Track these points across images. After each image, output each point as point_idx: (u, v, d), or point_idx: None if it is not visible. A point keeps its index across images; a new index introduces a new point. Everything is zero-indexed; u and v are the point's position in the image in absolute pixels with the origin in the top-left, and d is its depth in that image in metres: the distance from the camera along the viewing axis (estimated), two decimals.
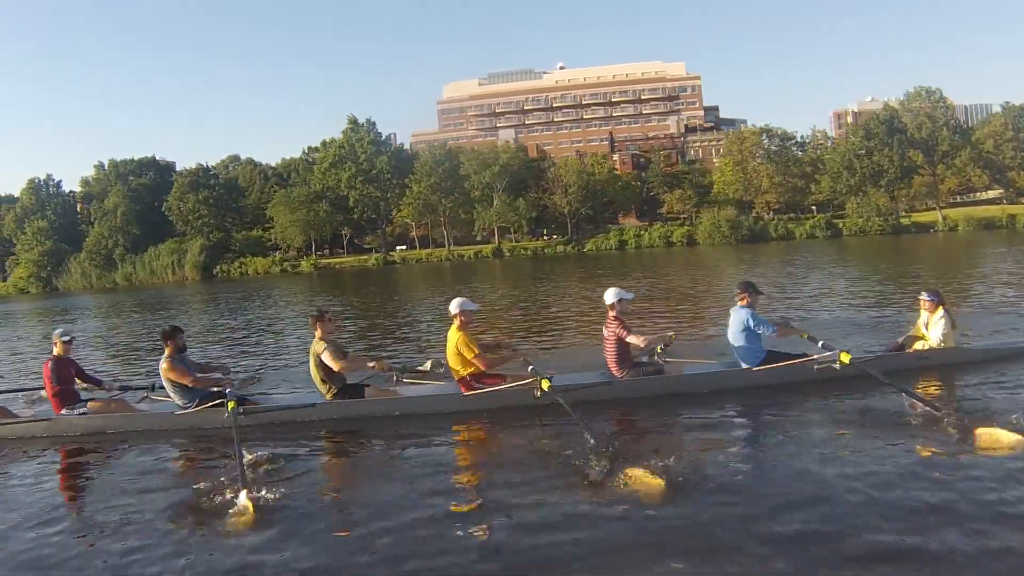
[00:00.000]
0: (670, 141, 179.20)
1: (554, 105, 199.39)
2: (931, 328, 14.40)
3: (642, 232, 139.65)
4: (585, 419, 10.58)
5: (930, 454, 9.50)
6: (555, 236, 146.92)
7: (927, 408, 11.07)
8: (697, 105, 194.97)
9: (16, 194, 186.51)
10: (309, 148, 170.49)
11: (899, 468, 8.89)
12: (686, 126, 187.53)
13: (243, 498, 9.10)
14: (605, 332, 13.76)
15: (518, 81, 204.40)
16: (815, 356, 13.06)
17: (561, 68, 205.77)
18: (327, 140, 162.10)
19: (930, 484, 8.35)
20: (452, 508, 8.58)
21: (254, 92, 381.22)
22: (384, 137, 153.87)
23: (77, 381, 14.31)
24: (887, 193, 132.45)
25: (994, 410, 10.82)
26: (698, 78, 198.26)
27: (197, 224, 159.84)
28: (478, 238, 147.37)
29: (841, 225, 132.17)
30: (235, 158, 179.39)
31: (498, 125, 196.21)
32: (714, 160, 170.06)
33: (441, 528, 8.06)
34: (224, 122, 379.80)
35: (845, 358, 12.53)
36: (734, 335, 13.82)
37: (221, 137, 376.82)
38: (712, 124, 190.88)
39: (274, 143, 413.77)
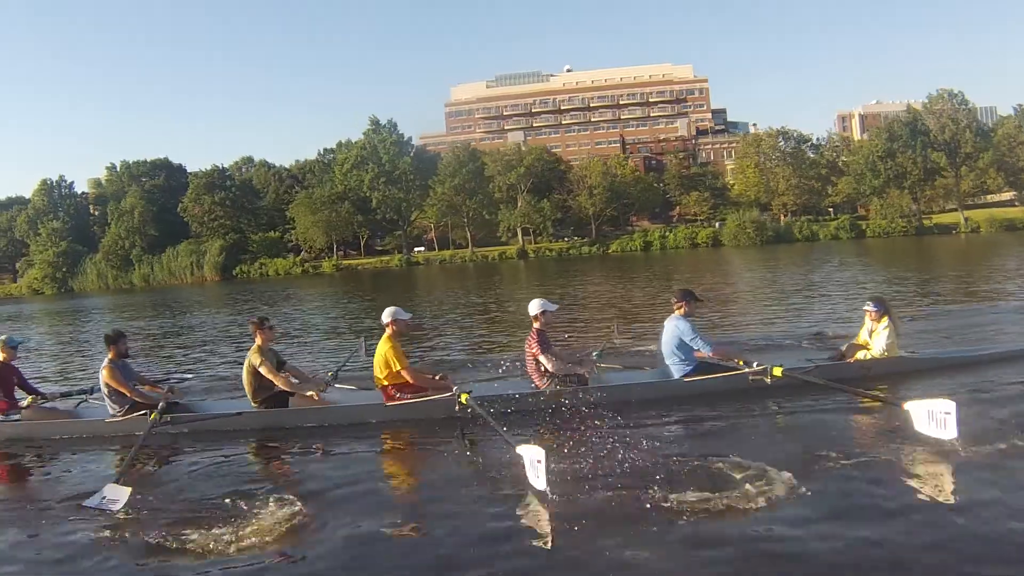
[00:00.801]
0: (681, 143, 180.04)
1: (562, 108, 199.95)
2: (875, 337, 14.24)
3: (667, 233, 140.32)
4: (507, 430, 10.41)
5: (869, 454, 9.64)
6: (576, 238, 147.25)
7: (879, 401, 11.46)
8: (705, 108, 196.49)
9: (26, 195, 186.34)
10: (325, 150, 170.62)
11: (828, 474, 8.95)
12: (697, 128, 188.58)
13: (107, 490, 9.20)
14: (526, 345, 13.54)
15: (526, 84, 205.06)
16: (746, 369, 12.85)
17: (568, 71, 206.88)
18: (343, 141, 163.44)
19: (879, 485, 8.45)
20: (360, 518, 8.49)
21: (258, 94, 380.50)
22: (406, 138, 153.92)
23: (19, 389, 14.23)
24: (910, 195, 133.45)
25: None
26: (705, 81, 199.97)
27: (213, 225, 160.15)
28: (503, 239, 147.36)
29: (864, 226, 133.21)
30: (248, 160, 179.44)
31: (506, 127, 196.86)
32: (725, 162, 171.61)
33: (337, 536, 8.05)
34: (229, 124, 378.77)
35: (777, 371, 12.46)
36: (666, 344, 13.45)
37: (223, 139, 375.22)
38: (722, 127, 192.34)
39: (274, 144, 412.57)
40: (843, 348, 14.62)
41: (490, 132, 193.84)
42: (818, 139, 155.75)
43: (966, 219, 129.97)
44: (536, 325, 13.35)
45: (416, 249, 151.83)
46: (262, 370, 13.04)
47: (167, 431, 12.35)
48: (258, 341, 13.39)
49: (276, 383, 13.11)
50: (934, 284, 35.68)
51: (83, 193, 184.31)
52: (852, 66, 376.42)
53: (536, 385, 13.23)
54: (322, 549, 7.66)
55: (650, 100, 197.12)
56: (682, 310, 13.44)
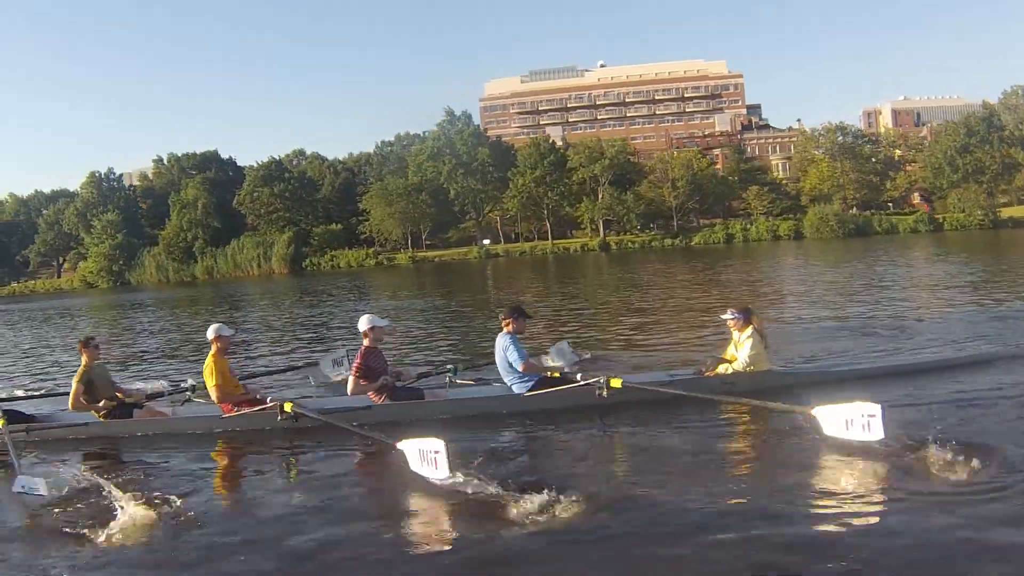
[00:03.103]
0: (727, 138, 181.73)
1: (597, 103, 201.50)
2: (739, 349, 13.34)
3: (748, 226, 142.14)
4: (334, 443, 11.12)
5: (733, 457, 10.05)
6: (655, 231, 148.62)
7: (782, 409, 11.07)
8: (740, 103, 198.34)
9: (70, 188, 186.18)
10: (382, 142, 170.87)
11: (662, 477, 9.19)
12: (742, 124, 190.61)
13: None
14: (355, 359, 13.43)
15: (560, 79, 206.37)
16: (582, 382, 12.55)
17: (602, 66, 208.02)
18: (401, 134, 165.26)
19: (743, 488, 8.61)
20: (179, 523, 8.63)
21: (293, 85, 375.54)
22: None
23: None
24: (986, 189, 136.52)
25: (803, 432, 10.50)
26: (741, 76, 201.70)
27: (271, 218, 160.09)
28: (587, 231, 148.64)
29: (942, 220, 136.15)
30: (300, 152, 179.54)
31: (541, 122, 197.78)
32: (770, 157, 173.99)
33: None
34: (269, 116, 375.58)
35: (615, 383, 12.29)
36: (500, 363, 13.22)
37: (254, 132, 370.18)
38: (766, 122, 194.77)
39: (284, 138, 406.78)
40: (709, 362, 13.82)
41: (526, 127, 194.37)
42: (875, 135, 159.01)
43: None
44: (366, 341, 13.30)
45: (484, 241, 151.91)
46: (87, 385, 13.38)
47: (24, 439, 12.67)
48: (85, 360, 13.64)
49: (103, 400, 13.39)
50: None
51: (131, 186, 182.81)
52: (858, 64, 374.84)
53: (372, 399, 13.10)
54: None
55: (685, 96, 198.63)
56: (510, 327, 13.16)
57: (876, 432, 9.06)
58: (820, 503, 8.02)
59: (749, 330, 13.23)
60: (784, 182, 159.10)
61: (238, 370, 16.55)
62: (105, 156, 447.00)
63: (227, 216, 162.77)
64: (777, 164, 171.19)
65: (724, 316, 13.63)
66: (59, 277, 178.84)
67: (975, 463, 8.37)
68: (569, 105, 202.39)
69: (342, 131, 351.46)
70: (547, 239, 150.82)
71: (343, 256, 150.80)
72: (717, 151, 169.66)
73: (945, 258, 55.08)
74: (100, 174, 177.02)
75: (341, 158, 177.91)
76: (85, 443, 13.02)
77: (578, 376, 12.73)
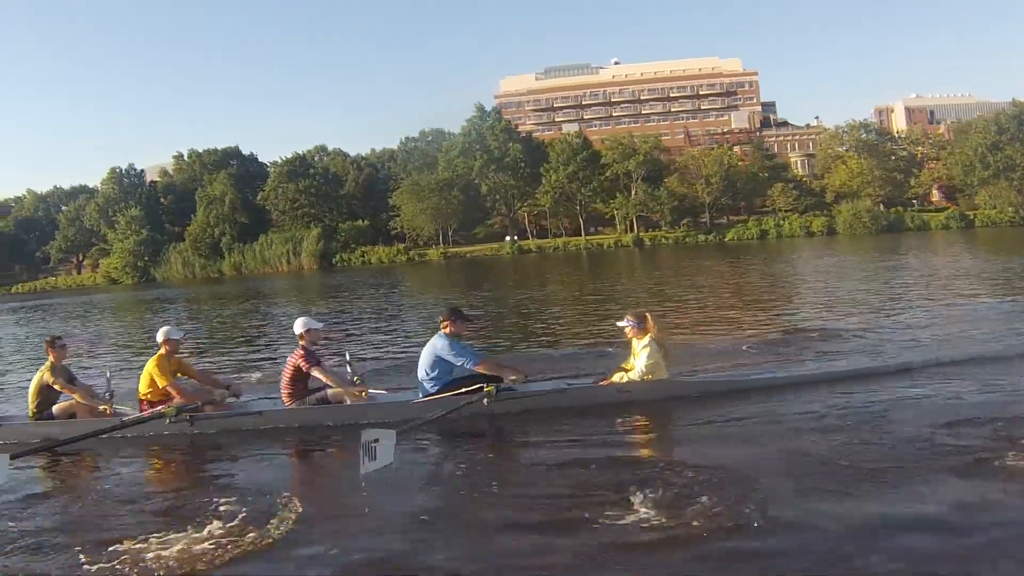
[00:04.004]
0: (746, 136, 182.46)
1: (612, 100, 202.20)
2: (636, 358, 12.92)
3: (781, 222, 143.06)
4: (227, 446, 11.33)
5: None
6: (686, 227, 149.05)
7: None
8: (755, 101, 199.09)
9: (90, 184, 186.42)
10: (406, 138, 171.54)
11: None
12: (761, 121, 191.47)
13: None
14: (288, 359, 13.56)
15: (574, 76, 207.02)
16: (463, 389, 12.51)
17: (616, 63, 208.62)
18: (425, 130, 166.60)
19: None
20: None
21: (302, 84, 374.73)
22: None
23: None
24: (1016, 186, 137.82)
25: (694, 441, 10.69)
26: (755, 74, 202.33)
27: (297, 214, 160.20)
28: (618, 227, 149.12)
29: (973, 216, 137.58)
30: (322, 148, 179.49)
31: (557, 119, 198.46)
32: (789, 155, 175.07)
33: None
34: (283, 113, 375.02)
35: (490, 389, 12.24)
36: (421, 363, 13.16)
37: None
38: (783, 119, 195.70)
39: (286, 136, 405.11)
40: (612, 369, 13.51)
41: (541, 124, 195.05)
42: (898, 132, 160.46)
43: None
44: (301, 343, 13.41)
45: (507, 238, 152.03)
46: (56, 386, 13.63)
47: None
48: (51, 359, 13.87)
49: (77, 397, 13.66)
50: None
51: (152, 182, 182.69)
52: (862, 62, 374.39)
53: (284, 402, 13.33)
54: None
55: (700, 93, 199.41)
56: (447, 328, 13.09)
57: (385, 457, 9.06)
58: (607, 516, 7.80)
59: (646, 338, 12.81)
60: (805, 179, 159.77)
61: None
62: (124, 152, 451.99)
63: (252, 212, 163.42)
64: (796, 161, 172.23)
65: (620, 323, 13.28)
66: (79, 273, 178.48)
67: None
68: (584, 102, 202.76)
69: (358, 128, 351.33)
70: (576, 235, 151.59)
71: (374, 252, 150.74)
72: (737, 148, 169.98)
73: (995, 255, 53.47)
74: (121, 170, 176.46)
75: (364, 154, 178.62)
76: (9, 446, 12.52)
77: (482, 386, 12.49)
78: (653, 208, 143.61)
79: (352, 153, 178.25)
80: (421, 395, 12.84)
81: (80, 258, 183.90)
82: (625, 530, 7.42)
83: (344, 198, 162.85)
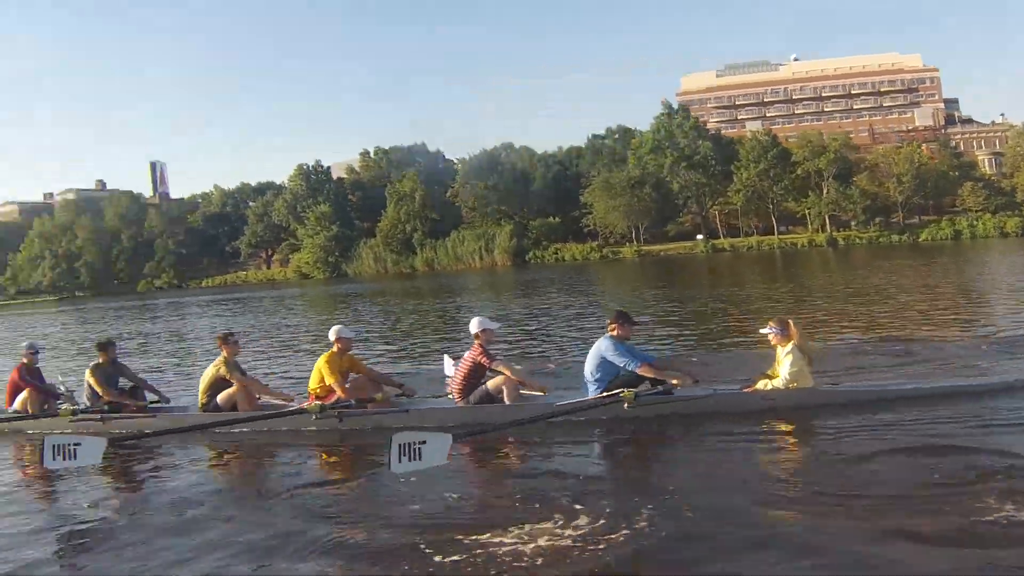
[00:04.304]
0: (931, 133, 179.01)
1: (793, 97, 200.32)
2: (779, 366, 12.87)
3: (975, 222, 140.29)
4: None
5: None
6: (878, 226, 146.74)
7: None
8: (936, 97, 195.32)
9: (277, 181, 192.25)
10: (593, 135, 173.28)
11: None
12: (945, 118, 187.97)
13: None
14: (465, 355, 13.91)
15: (754, 73, 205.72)
16: (603, 394, 12.64)
17: (795, 60, 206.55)
18: (611, 128, 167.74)
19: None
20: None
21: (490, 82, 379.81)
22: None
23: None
24: None
25: (845, 456, 10.16)
26: (936, 71, 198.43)
27: (486, 211, 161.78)
28: (810, 226, 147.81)
29: None
30: (509, 145, 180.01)
31: (739, 117, 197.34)
32: (976, 153, 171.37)
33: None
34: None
35: (628, 394, 12.35)
36: (587, 364, 13.31)
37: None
38: (968, 117, 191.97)
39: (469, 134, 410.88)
40: (756, 378, 13.33)
41: (723, 122, 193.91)
42: None
43: None
44: (478, 342, 13.62)
45: (697, 237, 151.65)
46: (231, 380, 14.30)
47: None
48: (224, 354, 14.58)
49: (262, 394, 14.63)
50: None
51: (339, 178, 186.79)
52: None
53: (456, 400, 13.66)
54: None
55: (881, 90, 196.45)
56: (614, 331, 13.23)
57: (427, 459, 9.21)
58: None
59: (789, 345, 12.75)
60: (993, 178, 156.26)
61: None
62: (312, 149, 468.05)
63: (442, 208, 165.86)
64: (984, 160, 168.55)
65: (763, 331, 13.17)
66: (268, 268, 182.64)
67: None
68: (766, 99, 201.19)
69: (541, 125, 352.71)
70: (767, 234, 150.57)
71: (567, 249, 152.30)
72: (924, 146, 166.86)
73: None
74: (308, 166, 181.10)
75: (551, 151, 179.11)
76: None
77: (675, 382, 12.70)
78: (846, 207, 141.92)
79: (539, 151, 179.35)
80: (588, 395, 12.96)
81: (269, 253, 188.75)
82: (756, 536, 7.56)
83: (533, 195, 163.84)
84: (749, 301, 38.00)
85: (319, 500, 9.98)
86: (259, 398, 14.60)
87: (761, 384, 12.91)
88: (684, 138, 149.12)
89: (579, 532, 7.82)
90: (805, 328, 21.01)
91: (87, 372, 15.21)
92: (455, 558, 7.47)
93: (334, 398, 13.56)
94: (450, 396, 14.00)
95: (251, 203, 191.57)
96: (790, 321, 12.99)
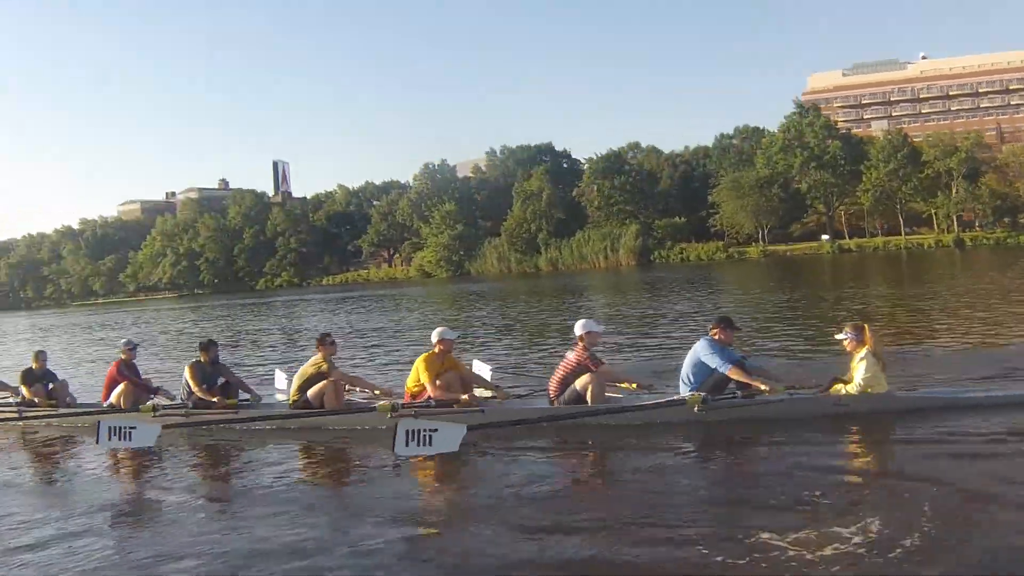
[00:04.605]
0: None
1: (920, 96, 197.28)
2: (854, 371, 12.68)
3: None
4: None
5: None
6: (1006, 227, 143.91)
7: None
8: None
9: (401, 180, 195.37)
10: (721, 135, 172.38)
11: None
12: None
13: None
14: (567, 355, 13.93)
15: (881, 72, 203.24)
16: (669, 397, 12.93)
17: (923, 58, 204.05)
18: (740, 127, 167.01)
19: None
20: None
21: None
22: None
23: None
24: None
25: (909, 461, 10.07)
26: None
27: (612, 210, 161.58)
28: (936, 226, 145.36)
29: None
30: (635, 145, 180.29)
31: (865, 116, 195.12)
32: None
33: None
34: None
35: (695, 398, 12.40)
36: (685, 364, 13.38)
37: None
38: None
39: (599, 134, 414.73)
40: (828, 381, 13.17)
41: (849, 121, 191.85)
42: None
43: None
44: (582, 344, 13.66)
45: (823, 237, 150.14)
46: (332, 378, 14.62)
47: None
48: (321, 354, 14.88)
49: (358, 387, 15.46)
50: None
51: (465, 177, 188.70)
52: None
53: (551, 398, 13.79)
54: None
55: (1010, 88, 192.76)
56: (716, 335, 13.23)
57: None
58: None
59: (863, 351, 12.54)
60: None
61: None
62: (432, 149, 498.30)
63: (568, 207, 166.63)
64: None
65: (838, 336, 13.03)
66: (390, 267, 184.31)
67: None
68: (893, 99, 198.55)
69: (667, 125, 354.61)
70: (889, 234, 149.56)
71: (692, 249, 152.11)
72: None
73: None
74: (434, 165, 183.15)
75: (677, 151, 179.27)
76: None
77: (763, 387, 12.64)
78: (975, 208, 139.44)
79: (666, 150, 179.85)
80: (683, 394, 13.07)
81: (390, 252, 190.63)
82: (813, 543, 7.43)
83: (660, 195, 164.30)
84: (885, 304, 36.21)
85: (342, 496, 10.71)
86: (350, 391, 15.34)
87: (835, 389, 12.85)
88: (814, 138, 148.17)
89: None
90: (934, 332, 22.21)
91: (186, 369, 15.76)
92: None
93: (425, 396, 13.91)
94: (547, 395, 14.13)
95: (375, 202, 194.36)
96: (865, 326, 12.94)
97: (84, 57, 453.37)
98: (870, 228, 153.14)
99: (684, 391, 12.94)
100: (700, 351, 13.06)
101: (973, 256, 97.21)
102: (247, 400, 15.82)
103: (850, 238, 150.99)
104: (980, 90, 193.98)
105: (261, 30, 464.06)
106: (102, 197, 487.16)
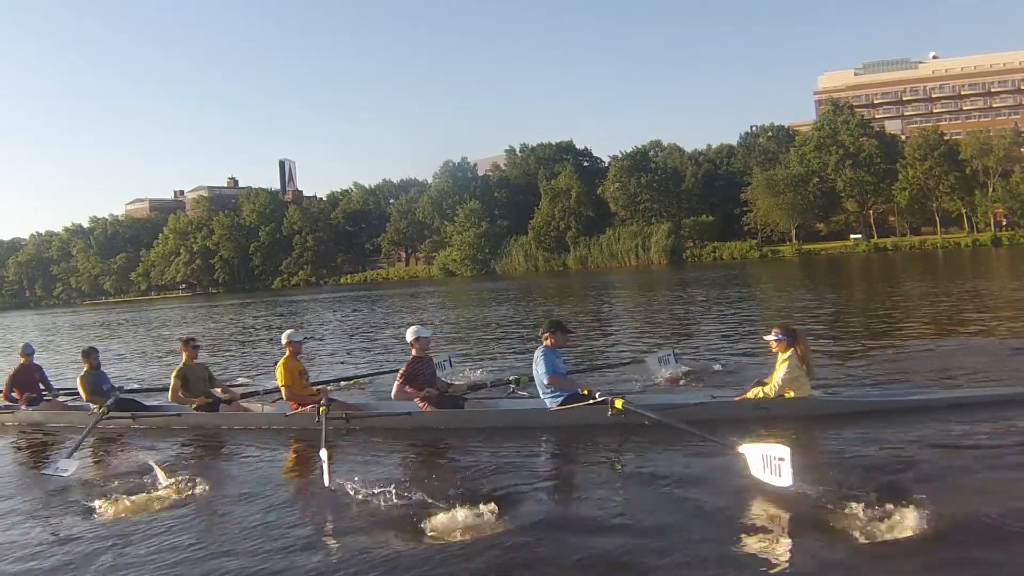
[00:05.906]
0: None
1: (932, 96, 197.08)
2: (776, 372, 12.42)
3: None
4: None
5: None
6: None
7: (712, 442, 10.22)
8: None
9: (419, 178, 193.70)
10: (745, 133, 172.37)
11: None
12: None
13: (60, 463, 11.57)
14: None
15: (892, 71, 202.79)
16: (589, 401, 12.35)
17: (935, 57, 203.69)
18: (764, 125, 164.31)
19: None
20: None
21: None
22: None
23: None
24: None
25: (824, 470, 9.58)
26: None
27: (638, 208, 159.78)
28: (981, 226, 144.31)
29: None
30: (657, 143, 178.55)
31: (877, 116, 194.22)
32: None
33: None
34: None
35: (618, 403, 11.83)
36: (534, 374, 13.27)
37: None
38: None
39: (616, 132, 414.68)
40: (753, 383, 13.01)
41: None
42: None
43: None
44: (413, 352, 14.04)
45: (855, 236, 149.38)
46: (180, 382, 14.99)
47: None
48: (184, 359, 15.26)
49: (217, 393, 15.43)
50: None
51: (486, 174, 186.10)
52: None
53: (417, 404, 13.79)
54: None
55: (1022, 87, 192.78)
56: (548, 341, 13.15)
57: (785, 478, 8.55)
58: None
59: (788, 353, 12.23)
60: None
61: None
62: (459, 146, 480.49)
63: (596, 206, 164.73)
64: None
65: (767, 337, 12.67)
66: (406, 265, 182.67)
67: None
68: (904, 98, 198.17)
69: (686, 123, 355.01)
70: (919, 232, 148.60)
71: (725, 248, 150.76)
72: None
73: None
74: (454, 163, 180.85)
75: (700, 149, 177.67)
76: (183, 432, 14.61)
77: (596, 394, 12.48)
78: (1014, 207, 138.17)
79: (688, 149, 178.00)
80: (547, 406, 12.96)
81: (408, 250, 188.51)
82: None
83: (685, 193, 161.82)
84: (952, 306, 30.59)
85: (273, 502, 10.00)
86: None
87: (752, 392, 12.61)
88: (848, 136, 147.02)
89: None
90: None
91: (77, 379, 16.18)
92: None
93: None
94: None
95: (392, 200, 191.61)
96: (797, 330, 12.66)
97: (85, 57, 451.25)
98: (900, 227, 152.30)
99: (549, 402, 12.79)
100: (534, 359, 13.05)
101: (1016, 254, 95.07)
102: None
103: (882, 237, 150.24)
104: (992, 89, 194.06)
105: (272, 27, 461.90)
106: (108, 196, 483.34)
